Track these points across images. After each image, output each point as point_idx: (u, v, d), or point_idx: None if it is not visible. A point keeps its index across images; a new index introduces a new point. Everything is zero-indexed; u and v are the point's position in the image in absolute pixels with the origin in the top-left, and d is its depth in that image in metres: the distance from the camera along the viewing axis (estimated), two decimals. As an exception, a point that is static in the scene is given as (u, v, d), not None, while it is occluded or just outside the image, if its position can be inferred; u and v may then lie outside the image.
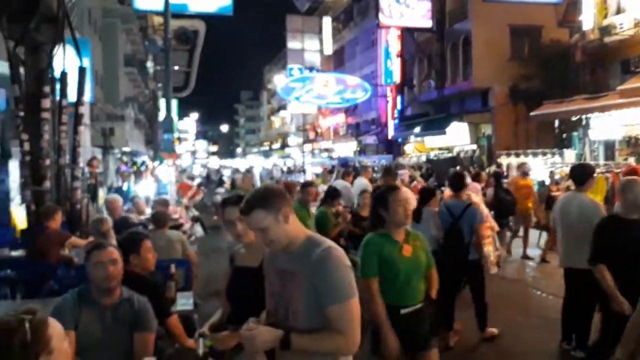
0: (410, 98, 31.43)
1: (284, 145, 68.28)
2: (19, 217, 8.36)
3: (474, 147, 25.44)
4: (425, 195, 6.19)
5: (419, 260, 3.56)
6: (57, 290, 4.57)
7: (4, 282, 5.60)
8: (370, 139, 36.30)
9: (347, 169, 12.44)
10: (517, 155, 18.16)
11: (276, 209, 2.20)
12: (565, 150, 18.13)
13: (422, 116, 28.69)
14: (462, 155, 25.29)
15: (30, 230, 6.93)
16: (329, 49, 47.98)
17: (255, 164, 45.65)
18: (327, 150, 48.39)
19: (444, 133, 24.71)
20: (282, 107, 64.62)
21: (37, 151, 7.17)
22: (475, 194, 7.85)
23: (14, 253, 6.68)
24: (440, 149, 27.66)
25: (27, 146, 7.16)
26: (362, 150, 37.25)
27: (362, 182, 9.86)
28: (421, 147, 29.71)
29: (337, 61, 45.76)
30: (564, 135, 20.33)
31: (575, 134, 19.24)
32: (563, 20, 20.95)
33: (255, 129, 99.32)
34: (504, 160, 18.35)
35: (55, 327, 1.70)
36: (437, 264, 3.90)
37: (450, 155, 25.81)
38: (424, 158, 26.83)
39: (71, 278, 4.89)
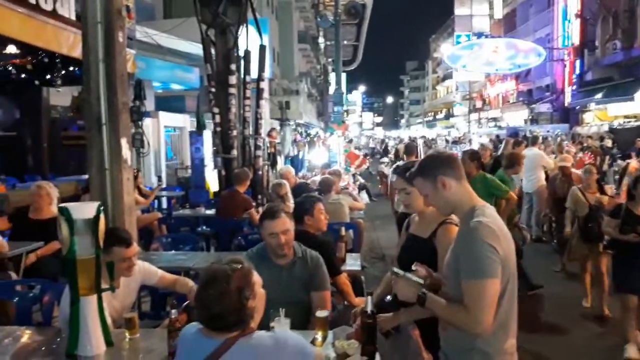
0: (591, 61, 28.60)
1: (449, 115, 66.58)
2: (212, 180, 9.50)
3: (668, 114, 22.52)
4: None
5: None
6: (244, 246, 5.17)
7: (201, 236, 6.37)
8: (544, 107, 33.83)
9: (518, 139, 11.84)
10: None
11: (433, 176, 2.26)
12: None
13: (605, 81, 26.12)
14: (652, 124, 22.55)
15: (221, 192, 7.87)
16: (499, 13, 45.35)
17: (418, 135, 45.30)
18: (494, 119, 46.24)
19: (632, 99, 22.32)
20: (448, 76, 62.83)
21: (226, 123, 8.07)
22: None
23: (208, 212, 7.54)
24: (626, 117, 24.91)
25: (217, 118, 8.10)
26: (534, 119, 34.92)
27: (534, 152, 9.41)
28: (603, 116, 27.02)
29: (508, 25, 43.05)
30: None
31: None
32: None
33: (419, 100, 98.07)
34: None
35: (256, 274, 2.03)
36: None
37: (637, 124, 23.12)
38: (605, 127, 24.39)
39: (255, 234, 5.30)
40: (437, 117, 75.80)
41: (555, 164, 8.41)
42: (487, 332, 2.09)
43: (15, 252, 4.84)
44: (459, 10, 52.24)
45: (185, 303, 3.14)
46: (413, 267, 2.44)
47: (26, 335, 2.92)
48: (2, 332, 2.96)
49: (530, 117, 35.93)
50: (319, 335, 2.72)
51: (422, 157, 2.62)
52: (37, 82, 10.10)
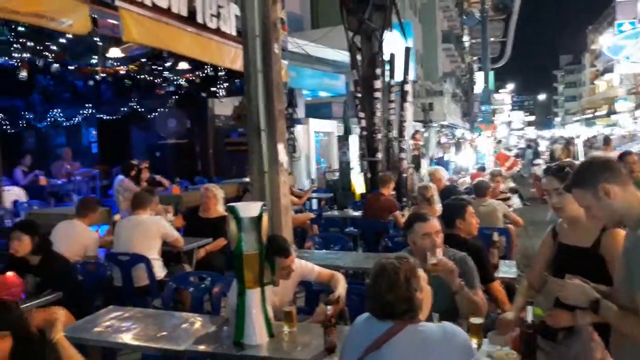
0: None
1: (611, 112, 60.78)
2: (358, 183, 9.72)
3: None
4: None
5: None
6: (390, 247, 5.22)
7: (349, 236, 6.51)
8: None
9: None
10: None
11: (593, 185, 2.06)
12: None
13: None
14: None
15: (367, 194, 8.02)
16: (672, -5, 40.37)
17: (575, 134, 41.95)
18: (667, 114, 41.31)
19: None
20: (608, 69, 57.37)
21: (371, 126, 8.21)
22: None
23: (355, 213, 7.73)
24: None
25: (363, 123, 8.28)
26: None
27: None
28: None
29: (685, 8, 38.14)
30: None
31: None
32: None
33: (575, 96, 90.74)
34: None
35: (421, 270, 2.09)
36: None
37: None
38: None
39: (400, 237, 5.29)
40: (597, 114, 69.67)
41: None
42: None
43: (188, 247, 5.35)
44: (621, -4, 47.57)
45: (334, 295, 3.27)
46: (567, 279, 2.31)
47: (199, 322, 3.19)
48: (180, 318, 3.29)
49: None
50: (474, 342, 2.64)
51: (579, 162, 2.39)
52: (203, 95, 11.13)
